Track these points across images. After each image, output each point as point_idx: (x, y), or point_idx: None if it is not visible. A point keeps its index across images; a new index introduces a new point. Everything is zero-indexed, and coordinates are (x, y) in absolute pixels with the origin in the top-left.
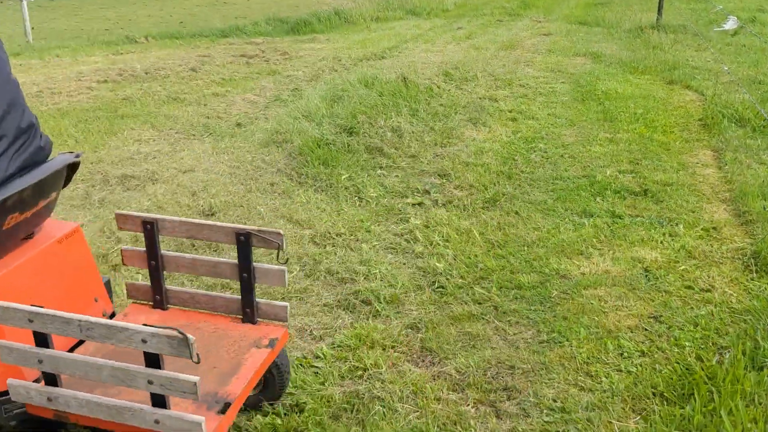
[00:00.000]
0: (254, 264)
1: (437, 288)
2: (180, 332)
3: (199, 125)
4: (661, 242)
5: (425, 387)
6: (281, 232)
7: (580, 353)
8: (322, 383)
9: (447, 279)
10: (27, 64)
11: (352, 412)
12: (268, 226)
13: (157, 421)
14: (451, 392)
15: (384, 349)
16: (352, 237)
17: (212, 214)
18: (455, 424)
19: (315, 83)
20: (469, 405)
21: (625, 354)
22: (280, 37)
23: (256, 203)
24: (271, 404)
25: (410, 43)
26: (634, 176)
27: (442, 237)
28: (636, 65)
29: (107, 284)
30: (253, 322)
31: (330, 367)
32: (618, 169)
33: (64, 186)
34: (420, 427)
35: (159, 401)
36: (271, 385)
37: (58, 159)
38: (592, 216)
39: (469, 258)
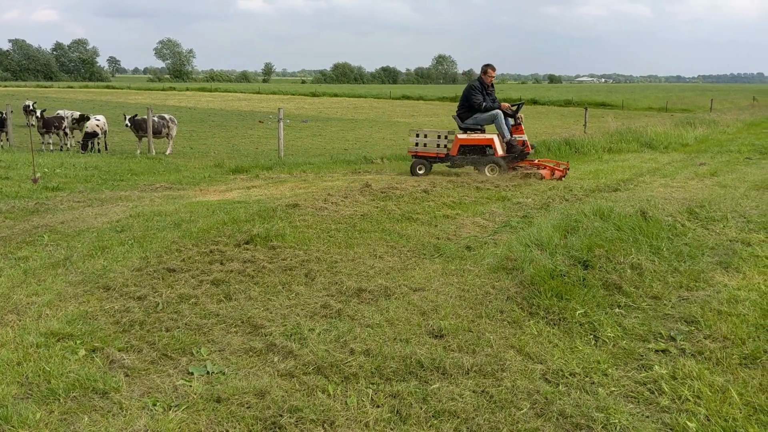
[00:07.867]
0: None
1: None
2: None
3: (429, 245)
4: None
5: None
6: None
7: None
8: None
9: None
10: (278, 178)
11: None
12: (497, 356)
13: None
14: None
15: None
16: (587, 378)
17: (441, 336)
18: None
19: (545, 211)
20: None
21: None
22: None
23: (485, 329)
24: None
25: (647, 177)
26: None
27: (693, 392)
28: None
29: None
30: None
31: None
32: None
33: None
34: None
35: None
36: None
37: None
38: None
39: (726, 421)
